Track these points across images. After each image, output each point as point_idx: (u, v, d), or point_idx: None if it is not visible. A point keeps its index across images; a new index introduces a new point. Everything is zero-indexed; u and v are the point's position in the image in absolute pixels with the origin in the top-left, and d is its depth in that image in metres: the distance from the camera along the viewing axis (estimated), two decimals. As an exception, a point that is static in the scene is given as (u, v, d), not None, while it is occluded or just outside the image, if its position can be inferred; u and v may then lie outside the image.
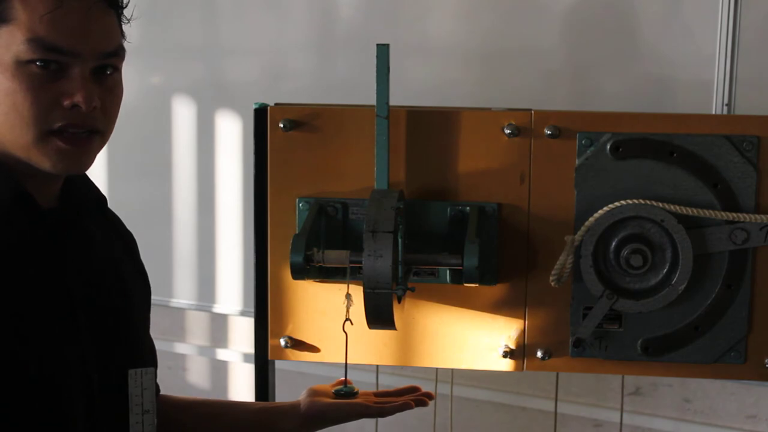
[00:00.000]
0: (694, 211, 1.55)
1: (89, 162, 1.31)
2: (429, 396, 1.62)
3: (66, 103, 1.24)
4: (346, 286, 1.55)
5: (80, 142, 1.27)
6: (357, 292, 1.51)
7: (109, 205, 1.47)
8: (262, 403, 1.68)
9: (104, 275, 1.38)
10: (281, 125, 1.64)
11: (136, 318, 1.43)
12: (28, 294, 1.26)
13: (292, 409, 1.59)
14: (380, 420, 1.86)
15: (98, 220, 1.42)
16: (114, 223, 1.47)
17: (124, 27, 1.33)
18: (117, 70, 1.31)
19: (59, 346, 1.28)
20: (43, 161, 1.26)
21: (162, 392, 1.54)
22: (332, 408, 1.57)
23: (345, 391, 1.58)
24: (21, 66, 1.23)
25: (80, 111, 1.25)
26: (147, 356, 1.44)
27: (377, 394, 1.63)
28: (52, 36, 1.23)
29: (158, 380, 1.41)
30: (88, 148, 1.29)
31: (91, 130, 1.27)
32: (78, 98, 1.24)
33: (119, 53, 1.30)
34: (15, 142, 1.25)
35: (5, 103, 1.23)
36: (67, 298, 1.30)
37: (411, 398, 1.60)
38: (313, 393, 1.60)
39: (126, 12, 1.33)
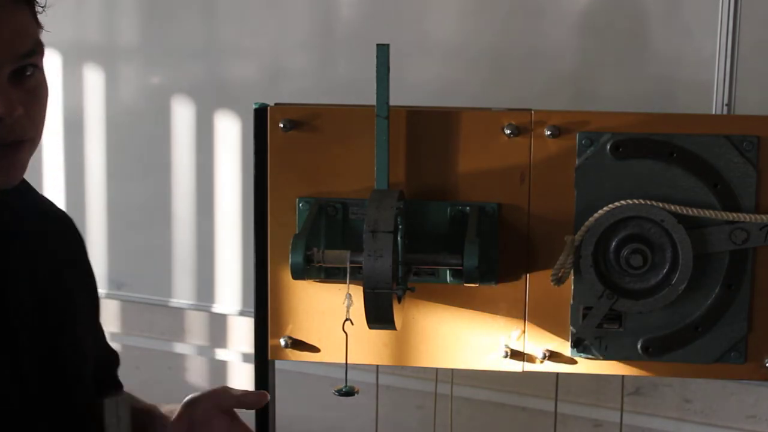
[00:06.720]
0: (694, 211, 1.55)
1: (20, 174, 1.20)
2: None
3: None
4: (346, 286, 1.55)
5: (7, 155, 1.16)
6: (357, 292, 1.51)
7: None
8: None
9: (47, 289, 1.30)
10: (281, 125, 1.63)
11: (79, 332, 1.35)
12: None
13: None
14: (380, 420, 1.86)
15: (40, 229, 1.33)
16: (58, 230, 1.38)
17: (41, 17, 1.20)
18: (38, 68, 1.18)
19: None
20: None
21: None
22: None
23: (345, 390, 1.58)
24: None
25: (3, 122, 1.13)
26: (90, 365, 1.36)
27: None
28: None
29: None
30: (16, 160, 1.17)
31: (17, 140, 1.16)
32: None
33: (38, 50, 1.17)
34: None
35: None
36: (4, 318, 1.21)
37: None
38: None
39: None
